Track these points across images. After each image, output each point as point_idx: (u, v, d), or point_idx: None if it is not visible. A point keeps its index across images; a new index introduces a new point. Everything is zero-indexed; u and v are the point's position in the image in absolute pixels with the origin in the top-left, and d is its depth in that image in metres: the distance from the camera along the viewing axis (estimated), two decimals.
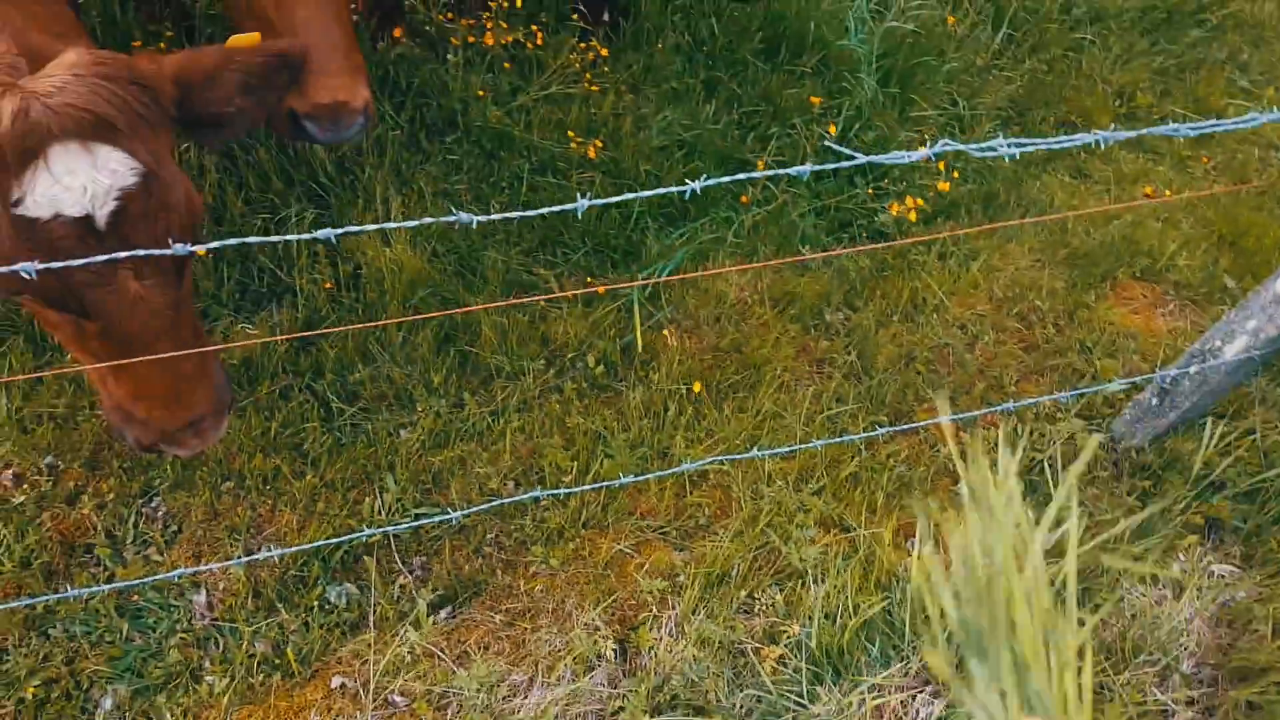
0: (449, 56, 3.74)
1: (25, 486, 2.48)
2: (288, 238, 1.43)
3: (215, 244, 1.38)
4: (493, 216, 1.52)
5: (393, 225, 1.44)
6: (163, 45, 3.50)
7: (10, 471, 2.50)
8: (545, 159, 3.62)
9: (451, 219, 1.44)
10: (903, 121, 4.01)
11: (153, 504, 2.53)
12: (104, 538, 2.43)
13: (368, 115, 2.16)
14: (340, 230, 1.47)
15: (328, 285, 3.09)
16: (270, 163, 3.28)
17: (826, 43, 4.17)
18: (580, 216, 3.48)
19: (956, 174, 3.92)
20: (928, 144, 1.73)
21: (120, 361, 1.65)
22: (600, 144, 3.66)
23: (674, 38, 4.12)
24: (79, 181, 1.43)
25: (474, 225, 1.48)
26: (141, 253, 1.39)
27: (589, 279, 3.35)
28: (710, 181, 1.63)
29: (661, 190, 1.64)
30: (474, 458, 2.73)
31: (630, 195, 1.69)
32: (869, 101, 4.07)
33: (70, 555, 2.41)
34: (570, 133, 3.66)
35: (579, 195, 1.63)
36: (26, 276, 1.33)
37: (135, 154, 1.50)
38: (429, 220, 1.49)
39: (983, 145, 1.62)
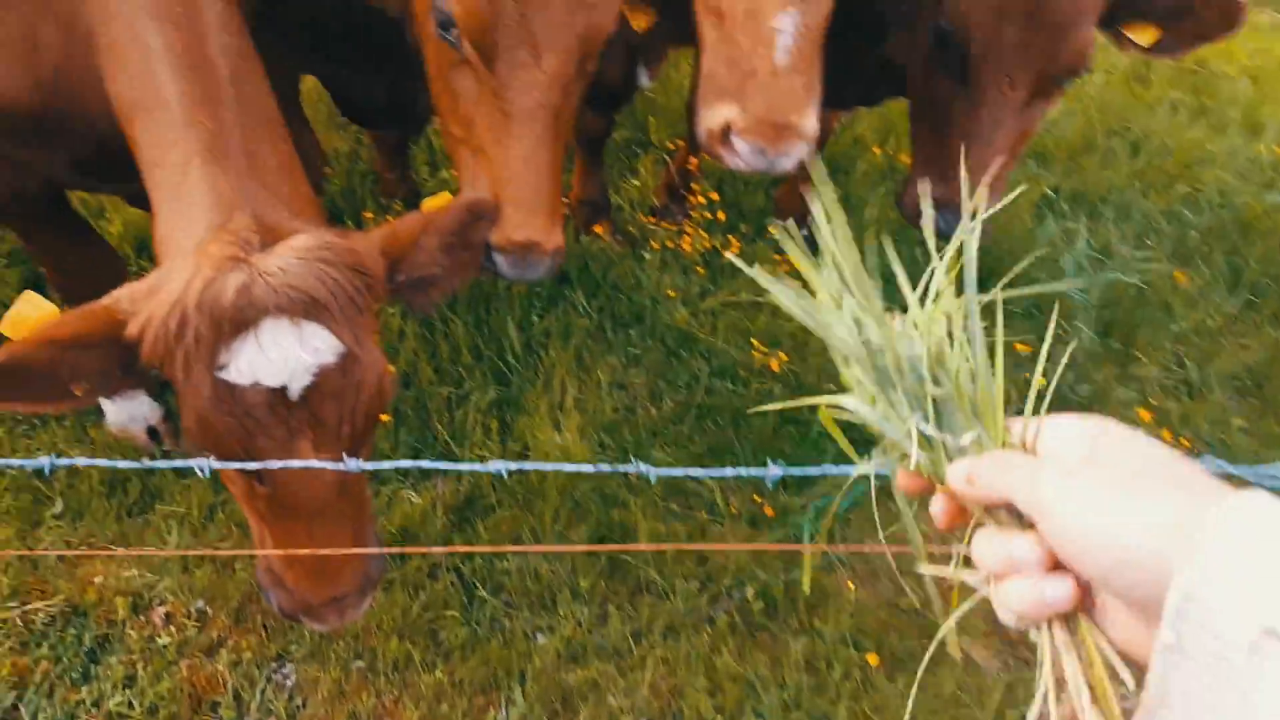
0: (645, 255, 3.82)
1: (172, 628, 2.49)
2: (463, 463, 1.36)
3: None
4: (674, 471, 1.40)
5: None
6: (389, 218, 3.76)
7: (163, 610, 2.53)
8: (726, 364, 3.55)
9: (630, 468, 1.35)
10: (1123, 379, 3.70)
11: (284, 670, 2.47)
12: (231, 699, 2.38)
13: (555, 260, 2.17)
14: (514, 465, 1.39)
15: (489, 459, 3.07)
16: (464, 337, 3.37)
17: (1038, 284, 3.97)
18: (752, 427, 3.36)
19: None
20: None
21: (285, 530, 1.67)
22: (785, 356, 3.57)
23: (872, 259, 4.05)
24: (282, 355, 1.50)
25: (653, 480, 1.37)
26: (315, 464, 1.36)
27: (755, 496, 3.18)
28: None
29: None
30: (610, 683, 2.54)
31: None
32: (1086, 352, 3.81)
33: (196, 710, 2.36)
34: (754, 341, 3.60)
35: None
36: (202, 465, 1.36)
37: (340, 335, 1.57)
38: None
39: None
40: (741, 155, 2.08)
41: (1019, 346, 3.72)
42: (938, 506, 0.80)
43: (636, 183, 4.31)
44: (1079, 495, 0.63)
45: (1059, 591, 0.65)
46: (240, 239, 1.54)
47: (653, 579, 2.84)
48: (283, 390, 1.51)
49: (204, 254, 1.51)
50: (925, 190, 2.42)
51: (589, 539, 2.93)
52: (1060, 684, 0.66)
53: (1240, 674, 0.47)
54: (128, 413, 2.93)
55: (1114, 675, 0.65)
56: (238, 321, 1.47)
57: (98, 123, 1.85)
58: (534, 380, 3.36)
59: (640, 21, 2.37)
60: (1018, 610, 0.68)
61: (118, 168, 1.83)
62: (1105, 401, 3.68)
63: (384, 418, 3.07)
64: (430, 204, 1.87)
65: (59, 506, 2.72)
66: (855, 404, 0.85)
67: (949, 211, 2.38)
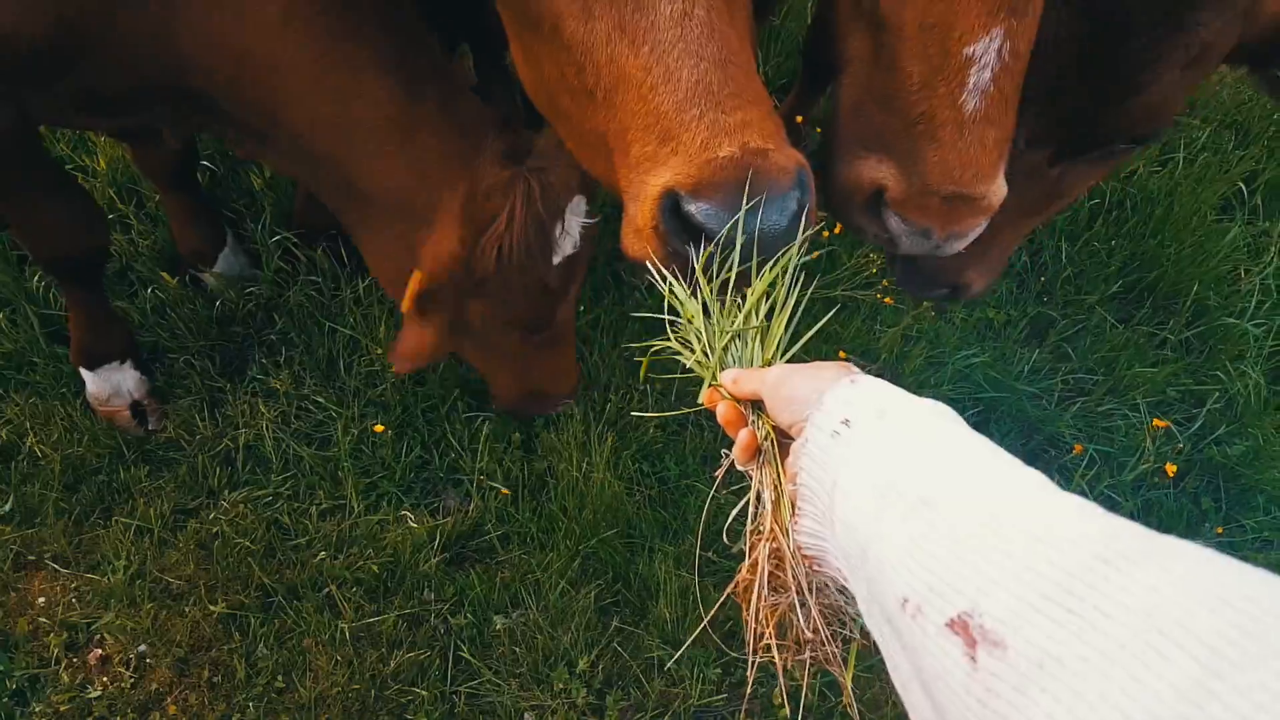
0: None
1: (105, 679, 2.19)
2: None
3: None
4: None
5: None
6: None
7: (100, 652, 2.23)
8: None
9: None
10: None
11: None
12: None
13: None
14: None
15: (504, 492, 2.62)
16: None
17: (1208, 310, 3.19)
18: None
19: None
20: None
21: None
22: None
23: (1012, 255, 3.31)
24: (574, 229, 1.86)
25: None
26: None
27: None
28: None
29: None
30: None
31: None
32: (1245, 400, 3.06)
33: None
34: (841, 353, 2.99)
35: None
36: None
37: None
38: None
39: None
40: (896, 234, 1.55)
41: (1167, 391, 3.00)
42: (721, 410, 1.10)
43: None
44: (783, 376, 1.01)
45: (744, 436, 1.05)
46: (499, 159, 1.71)
47: (665, 657, 2.39)
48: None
49: (483, 181, 1.70)
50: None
51: (602, 596, 2.49)
52: (758, 499, 1.02)
53: (828, 449, 0.87)
54: (110, 385, 2.58)
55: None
56: (554, 214, 1.76)
57: (123, 56, 1.70)
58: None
59: None
60: (736, 452, 1.07)
61: (128, 103, 1.83)
62: (1262, 461, 2.96)
63: (379, 428, 2.64)
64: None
65: (9, 504, 2.42)
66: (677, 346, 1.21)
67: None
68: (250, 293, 2.83)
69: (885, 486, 0.78)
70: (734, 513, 1.08)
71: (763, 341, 1.13)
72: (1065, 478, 2.91)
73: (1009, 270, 3.27)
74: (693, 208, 1.19)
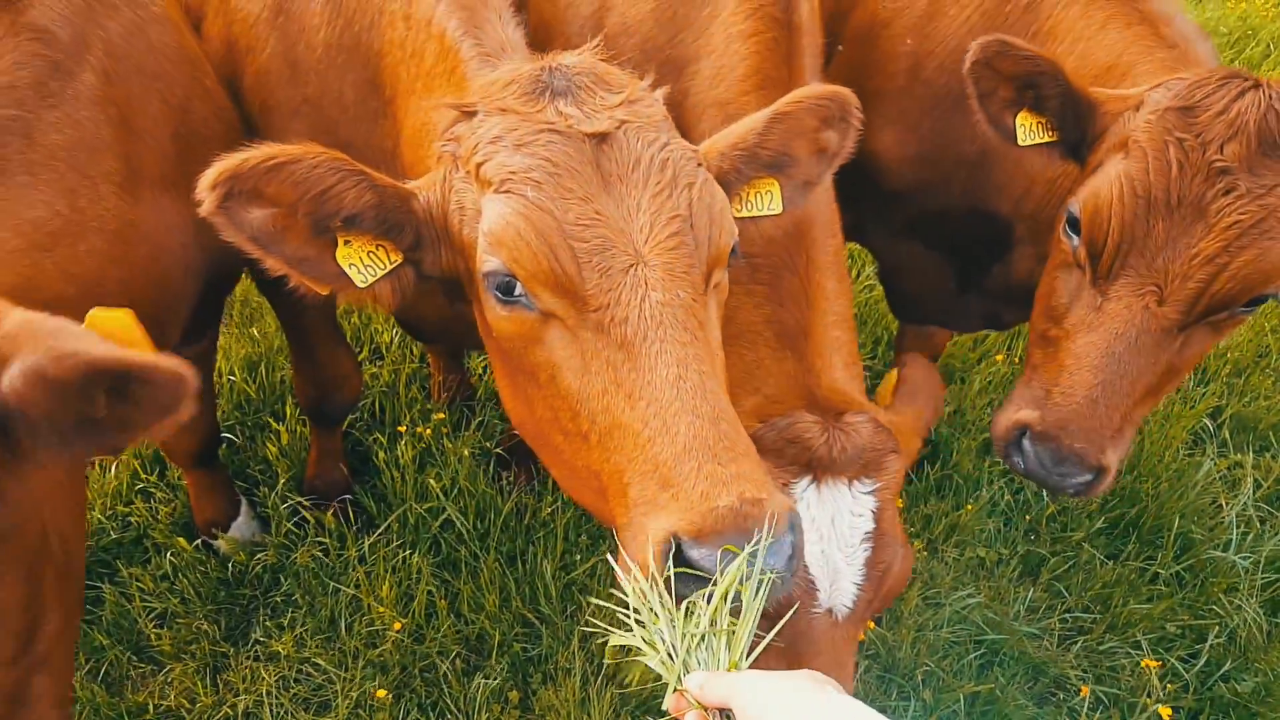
0: None
1: None
2: None
3: None
4: None
5: None
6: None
7: None
8: None
9: None
10: None
11: None
12: None
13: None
14: None
15: None
16: (490, 577, 2.94)
17: (1193, 544, 3.25)
18: None
19: None
20: None
21: None
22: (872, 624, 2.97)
23: (990, 492, 3.43)
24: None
25: None
26: None
27: None
28: None
29: None
30: None
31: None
32: (1247, 634, 3.05)
33: None
34: None
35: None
36: None
37: None
38: None
39: None
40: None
41: (1168, 625, 3.00)
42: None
43: None
44: (754, 687, 1.00)
45: None
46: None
47: None
48: None
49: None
50: (1020, 417, 1.92)
51: None
52: None
53: None
54: None
55: None
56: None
57: None
58: (568, 640, 2.88)
59: None
60: None
61: None
62: (1275, 698, 2.90)
63: (380, 693, 2.65)
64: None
65: None
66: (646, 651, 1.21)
67: (1045, 447, 1.95)
68: (259, 556, 2.93)
69: None
70: None
71: (728, 645, 1.15)
72: None
73: (994, 509, 3.38)
74: (695, 553, 1.26)
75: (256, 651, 2.76)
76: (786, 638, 1.63)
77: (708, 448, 1.33)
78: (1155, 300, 1.82)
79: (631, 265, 1.39)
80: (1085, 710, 2.85)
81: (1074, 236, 1.91)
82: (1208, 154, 1.72)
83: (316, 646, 2.74)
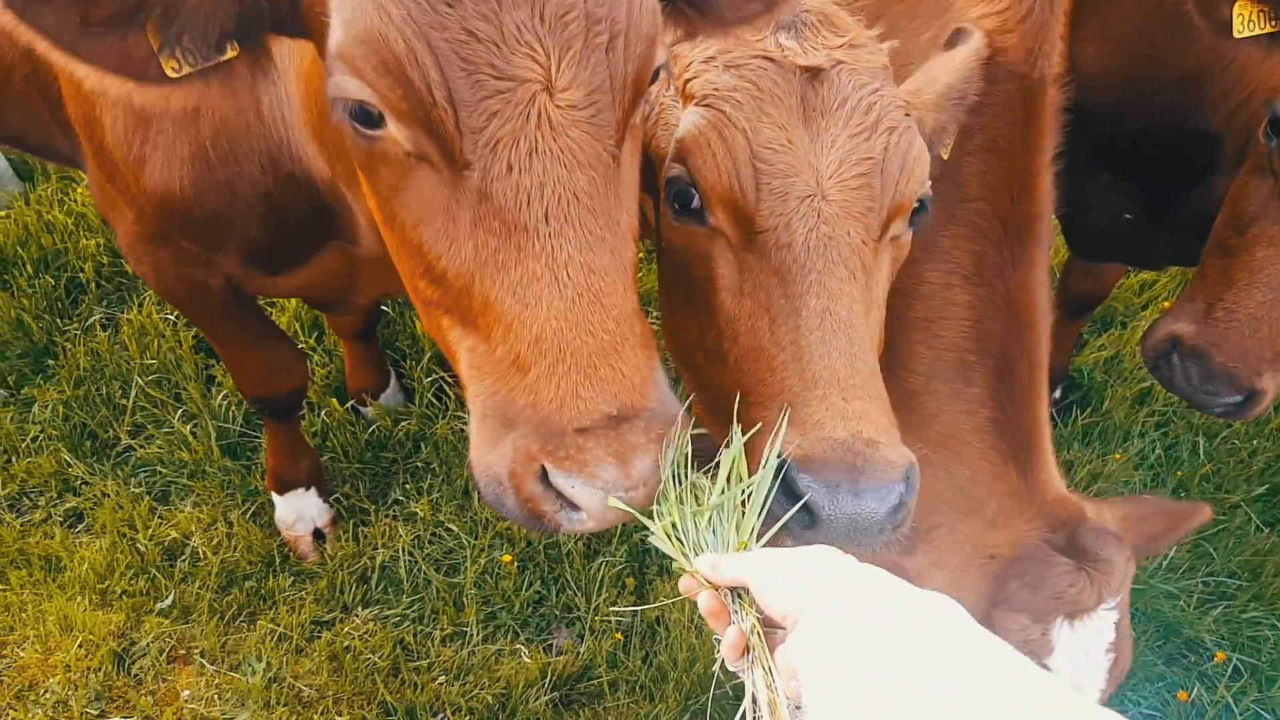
0: None
1: None
2: None
3: None
4: None
5: None
6: None
7: None
8: None
9: None
10: None
11: None
12: None
13: None
14: None
15: (618, 636, 2.67)
16: None
17: None
18: None
19: None
20: None
21: None
22: None
23: (1140, 445, 3.25)
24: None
25: None
26: None
27: None
28: None
29: None
30: None
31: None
32: None
33: None
34: None
35: None
36: None
37: None
38: None
39: None
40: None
41: None
42: (702, 602, 1.04)
43: None
44: (769, 562, 0.97)
45: (731, 635, 0.99)
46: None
47: None
48: None
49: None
50: (1174, 329, 1.79)
51: None
52: (755, 699, 0.95)
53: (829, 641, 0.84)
54: (295, 510, 2.82)
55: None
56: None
57: None
58: None
59: None
60: (724, 650, 1.00)
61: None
62: None
63: (506, 558, 2.77)
64: None
65: (169, 599, 2.64)
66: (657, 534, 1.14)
67: (1194, 363, 1.85)
68: (402, 424, 3.08)
69: (887, 685, 0.75)
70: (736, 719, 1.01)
71: (737, 527, 1.11)
72: (1207, 687, 2.74)
73: (1143, 461, 3.21)
74: (800, 479, 1.22)
75: (395, 511, 2.92)
76: None
77: (836, 381, 1.30)
78: None
79: (809, 196, 1.37)
80: (1222, 679, 2.73)
81: (1274, 138, 1.73)
82: None
83: (451, 512, 2.88)
